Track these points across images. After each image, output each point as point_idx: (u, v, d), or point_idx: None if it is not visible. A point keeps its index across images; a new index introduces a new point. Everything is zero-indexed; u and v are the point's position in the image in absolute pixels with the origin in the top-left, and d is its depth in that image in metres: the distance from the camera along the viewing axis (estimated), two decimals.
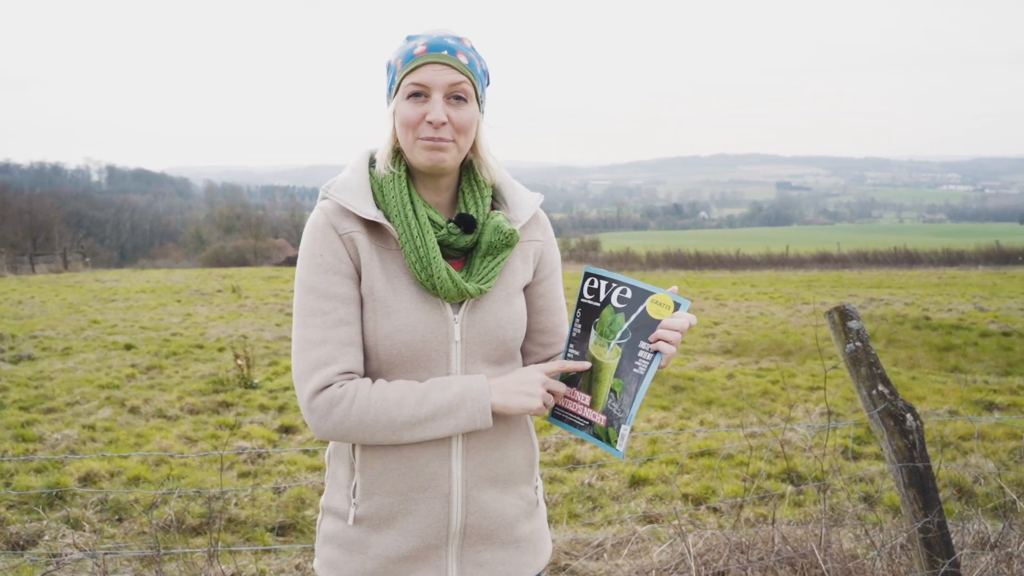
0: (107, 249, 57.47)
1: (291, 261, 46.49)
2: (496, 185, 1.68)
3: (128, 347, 10.26)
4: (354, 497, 1.60)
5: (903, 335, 11.13)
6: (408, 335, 1.54)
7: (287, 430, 6.48)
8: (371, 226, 1.59)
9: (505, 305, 1.61)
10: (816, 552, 2.76)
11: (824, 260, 34.36)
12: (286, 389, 7.88)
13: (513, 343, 1.63)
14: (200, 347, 10.36)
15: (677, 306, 1.53)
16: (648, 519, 4.54)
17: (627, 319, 1.55)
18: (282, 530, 4.47)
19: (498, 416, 1.59)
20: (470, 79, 1.54)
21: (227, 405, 7.27)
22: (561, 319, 1.73)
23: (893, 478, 2.82)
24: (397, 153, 1.61)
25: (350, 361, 1.53)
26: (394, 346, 1.54)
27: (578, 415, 1.61)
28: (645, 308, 1.54)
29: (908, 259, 33.45)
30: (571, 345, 1.63)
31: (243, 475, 5.30)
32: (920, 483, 2.76)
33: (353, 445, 1.60)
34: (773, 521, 3.12)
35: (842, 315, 3.08)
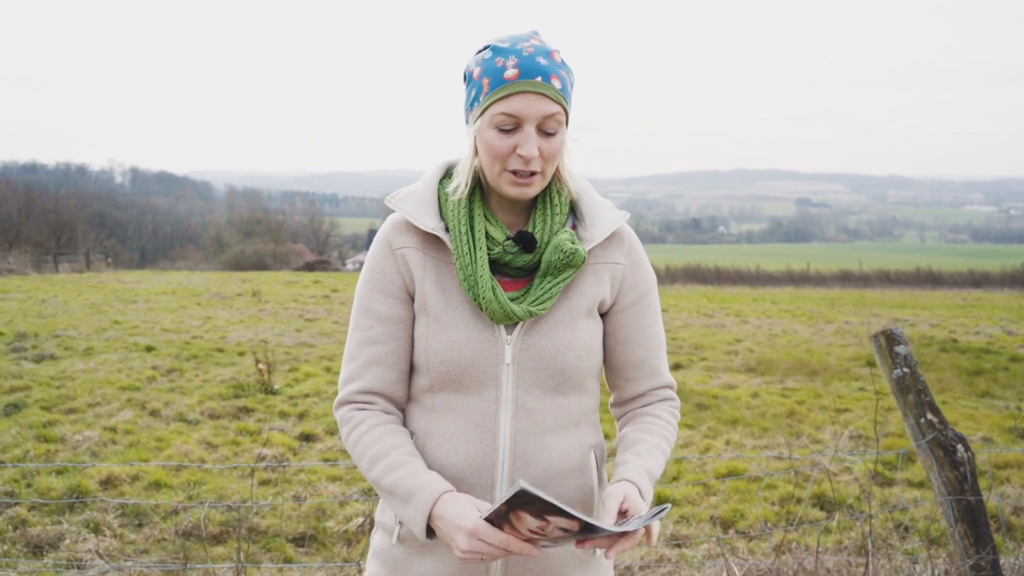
0: (128, 250, 57.99)
1: (310, 266, 46.69)
2: (575, 200, 1.59)
3: (149, 349, 10.26)
4: None
5: (930, 358, 10.94)
6: (456, 352, 1.49)
7: (307, 438, 6.43)
8: (432, 239, 1.55)
9: (566, 329, 1.51)
10: None
11: (845, 278, 34.00)
12: (306, 396, 7.84)
13: (575, 372, 1.51)
14: (220, 351, 10.36)
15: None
16: (676, 541, 4.44)
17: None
18: (302, 541, 4.41)
19: (552, 452, 1.51)
20: (563, 107, 1.45)
21: (247, 411, 7.23)
22: (652, 352, 1.60)
23: (942, 511, 2.72)
24: (476, 175, 1.54)
25: (373, 380, 1.53)
26: (443, 363, 1.49)
27: None
28: None
29: (931, 279, 33.05)
30: None
31: (264, 483, 5.25)
32: (971, 518, 2.65)
33: None
34: (818, 553, 3.02)
35: (889, 339, 2.98)
